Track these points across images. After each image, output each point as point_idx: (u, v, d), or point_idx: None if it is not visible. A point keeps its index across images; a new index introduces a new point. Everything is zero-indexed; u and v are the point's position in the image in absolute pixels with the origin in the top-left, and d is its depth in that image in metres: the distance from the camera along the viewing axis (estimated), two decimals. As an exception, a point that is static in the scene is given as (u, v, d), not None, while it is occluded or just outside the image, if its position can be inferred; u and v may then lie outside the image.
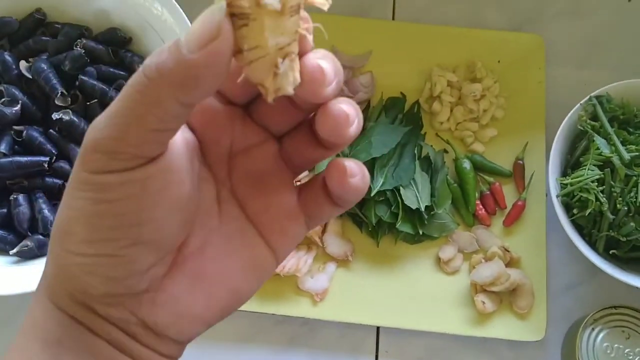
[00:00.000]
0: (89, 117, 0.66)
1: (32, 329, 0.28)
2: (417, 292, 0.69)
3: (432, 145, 0.74)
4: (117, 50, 0.69)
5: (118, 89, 0.66)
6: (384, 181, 0.68)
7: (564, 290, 0.70)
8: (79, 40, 0.67)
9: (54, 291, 0.28)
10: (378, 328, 0.69)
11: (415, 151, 0.71)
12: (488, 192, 0.72)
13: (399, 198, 0.68)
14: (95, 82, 0.66)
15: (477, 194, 0.72)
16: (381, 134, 0.71)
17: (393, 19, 0.81)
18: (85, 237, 0.25)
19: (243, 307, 0.67)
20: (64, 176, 0.65)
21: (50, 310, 0.28)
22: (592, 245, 0.65)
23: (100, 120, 0.25)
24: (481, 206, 0.71)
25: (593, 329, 0.64)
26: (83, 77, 0.66)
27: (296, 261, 0.67)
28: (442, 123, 0.75)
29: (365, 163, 0.66)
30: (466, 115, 0.74)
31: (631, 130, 0.67)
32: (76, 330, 0.27)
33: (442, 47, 0.78)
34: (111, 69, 0.68)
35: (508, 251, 0.68)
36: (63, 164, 0.65)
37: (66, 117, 0.64)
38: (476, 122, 0.74)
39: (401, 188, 0.68)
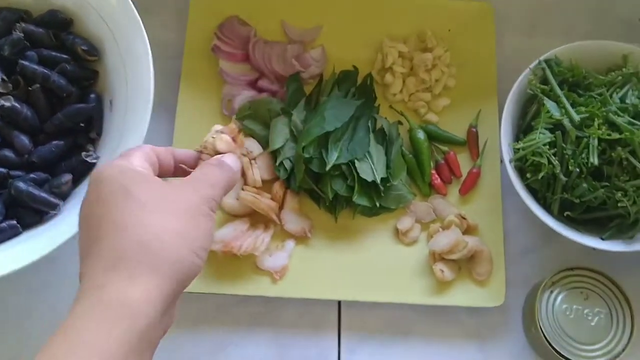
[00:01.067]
0: (31, 103, 0.64)
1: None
2: (377, 264, 0.68)
3: (386, 117, 0.74)
4: (58, 33, 0.67)
5: (61, 73, 0.65)
6: (339, 155, 0.68)
7: (522, 255, 0.70)
8: (17, 24, 0.65)
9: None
10: (339, 303, 0.69)
11: (369, 124, 0.71)
12: (443, 162, 0.72)
13: (354, 171, 0.67)
14: (36, 67, 0.64)
15: (432, 164, 0.72)
16: (334, 108, 0.70)
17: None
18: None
19: (202, 289, 0.66)
20: (8, 164, 0.63)
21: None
22: (547, 208, 0.66)
23: None
24: (437, 176, 0.71)
25: (552, 292, 0.64)
26: (23, 62, 0.64)
27: (253, 240, 0.66)
28: (395, 94, 0.74)
29: (319, 137, 0.67)
30: (418, 85, 0.74)
31: (581, 92, 0.67)
32: None
33: (393, 17, 0.77)
34: (53, 53, 0.66)
35: (465, 219, 0.68)
36: (7, 152, 0.63)
37: (7, 104, 0.62)
38: (429, 92, 0.74)
39: (356, 161, 0.68)
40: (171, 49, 0.76)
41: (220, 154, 0.52)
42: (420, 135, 0.71)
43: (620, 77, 0.66)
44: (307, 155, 0.67)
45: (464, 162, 0.72)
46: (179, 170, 0.50)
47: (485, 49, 0.75)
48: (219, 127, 0.60)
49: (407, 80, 0.74)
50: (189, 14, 0.76)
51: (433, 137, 0.73)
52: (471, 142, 0.72)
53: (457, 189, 0.71)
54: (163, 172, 0.48)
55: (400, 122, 0.74)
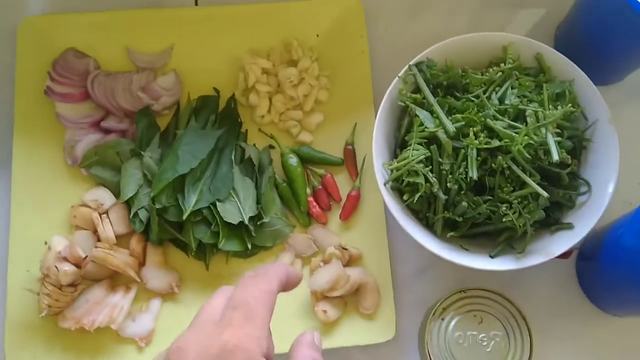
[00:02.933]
0: None
1: None
2: (258, 312, 0.61)
3: (254, 144, 0.66)
4: None
5: None
6: (198, 198, 0.60)
7: (414, 278, 0.64)
8: None
9: None
10: None
11: (233, 155, 0.63)
12: (320, 186, 0.65)
13: (217, 215, 0.60)
14: None
15: (309, 190, 0.64)
16: (190, 144, 0.62)
17: (196, 4, 0.71)
18: None
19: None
20: None
21: None
22: (431, 228, 0.59)
23: None
24: (314, 203, 0.64)
25: (443, 319, 0.58)
26: None
27: (109, 310, 0.59)
28: (263, 116, 0.66)
29: (173, 181, 0.59)
30: (287, 103, 0.66)
31: (459, 95, 0.60)
32: None
33: (254, 29, 0.69)
34: None
35: (346, 249, 0.62)
36: None
37: None
38: (300, 110, 0.67)
39: (218, 203, 0.60)
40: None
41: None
42: (292, 160, 0.64)
43: (500, 74, 0.60)
44: (159, 206, 0.59)
45: (344, 184, 0.65)
46: None
47: (357, 52, 0.68)
48: (58, 242, 0.58)
49: (274, 99, 0.66)
50: (17, 51, 0.66)
51: (307, 159, 0.65)
52: (348, 161, 0.65)
53: (339, 215, 0.64)
54: None
55: (272, 147, 0.66)
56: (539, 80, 0.60)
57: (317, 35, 0.69)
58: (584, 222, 0.57)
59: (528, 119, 0.56)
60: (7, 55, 0.67)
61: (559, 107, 0.57)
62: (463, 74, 0.61)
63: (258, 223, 0.62)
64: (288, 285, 0.43)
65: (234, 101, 0.67)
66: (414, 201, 0.57)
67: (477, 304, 0.59)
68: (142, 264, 0.62)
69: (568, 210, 0.60)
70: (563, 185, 0.59)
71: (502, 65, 0.60)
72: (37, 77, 0.66)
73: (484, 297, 0.59)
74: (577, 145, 0.61)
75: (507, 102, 0.58)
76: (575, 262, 0.66)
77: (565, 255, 0.65)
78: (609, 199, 0.56)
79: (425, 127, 0.58)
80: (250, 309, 0.38)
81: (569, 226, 0.58)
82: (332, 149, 0.66)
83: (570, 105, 0.57)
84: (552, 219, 0.59)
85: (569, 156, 0.57)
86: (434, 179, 0.56)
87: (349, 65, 0.67)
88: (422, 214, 0.59)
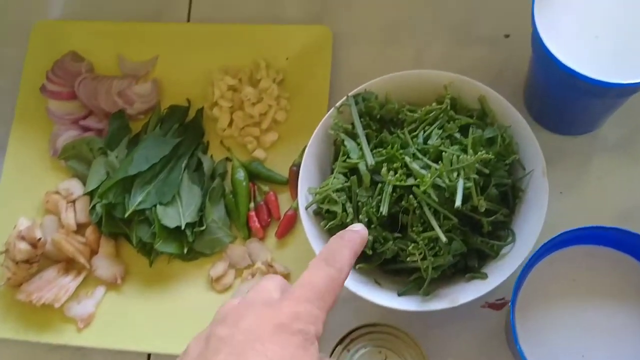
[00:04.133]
0: None
1: None
2: (189, 313, 0.65)
3: (211, 155, 0.70)
4: None
5: None
6: (143, 199, 0.65)
7: (337, 306, 0.64)
8: None
9: None
10: (149, 355, 0.67)
11: (184, 164, 0.68)
12: (262, 203, 0.67)
13: (155, 217, 0.65)
14: None
15: (253, 205, 0.68)
16: (147, 148, 0.68)
17: (188, 20, 0.77)
18: None
19: (11, 335, 0.66)
20: None
21: None
22: (349, 258, 0.60)
23: None
24: (255, 218, 0.67)
25: (348, 350, 0.59)
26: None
27: (57, 291, 0.66)
28: (224, 129, 0.71)
29: (124, 181, 0.65)
30: (246, 120, 0.70)
31: (392, 129, 0.61)
32: None
33: (231, 47, 0.73)
34: None
35: (272, 266, 0.64)
36: None
37: None
38: (257, 127, 0.70)
39: (159, 206, 0.65)
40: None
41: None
42: (240, 175, 0.68)
43: (433, 113, 0.59)
44: (106, 201, 0.65)
45: (286, 204, 0.68)
46: None
47: (319, 79, 0.70)
48: (21, 223, 0.65)
49: (235, 115, 0.70)
50: (27, 50, 0.76)
51: (256, 175, 0.68)
52: (291, 181, 0.67)
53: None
54: None
55: (229, 159, 0.70)
56: (475, 123, 0.59)
57: (287, 59, 0.71)
58: (501, 273, 0.55)
59: (443, 162, 0.55)
60: (20, 52, 0.77)
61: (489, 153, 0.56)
62: (401, 109, 0.61)
63: (197, 230, 0.66)
64: (357, 256, 0.42)
65: (202, 113, 0.71)
66: (331, 228, 0.58)
67: (385, 340, 0.59)
68: (95, 252, 0.68)
69: (490, 260, 0.58)
70: (487, 233, 0.57)
71: (433, 104, 0.60)
72: (40, 75, 0.74)
73: (392, 335, 0.59)
74: (511, 195, 0.59)
75: (430, 142, 0.58)
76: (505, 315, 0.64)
77: (496, 307, 0.64)
78: (527, 253, 0.54)
79: (348, 158, 0.59)
80: (316, 290, 0.37)
81: (483, 276, 0.56)
82: (281, 168, 0.68)
83: (495, 151, 0.56)
84: (470, 267, 0.58)
85: (484, 203, 0.55)
86: (350, 209, 0.58)
87: (310, 90, 0.69)
88: (339, 242, 0.60)
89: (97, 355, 0.67)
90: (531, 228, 0.55)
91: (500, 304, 0.63)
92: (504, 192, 0.58)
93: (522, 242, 0.56)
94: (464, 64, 0.69)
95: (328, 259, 0.39)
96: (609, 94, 0.51)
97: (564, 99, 0.59)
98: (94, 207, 0.68)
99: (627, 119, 0.63)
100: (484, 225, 0.57)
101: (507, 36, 0.69)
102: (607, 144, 0.63)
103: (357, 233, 0.43)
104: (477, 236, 0.57)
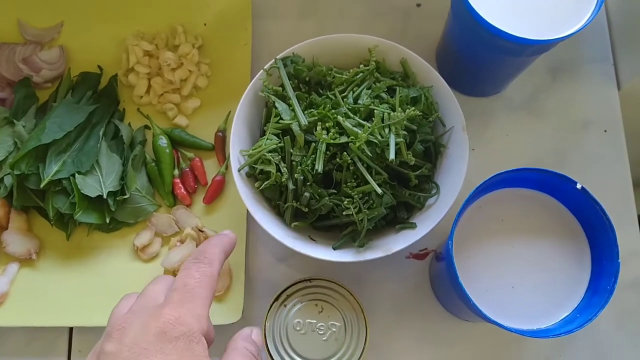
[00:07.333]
0: None
1: None
2: (113, 285, 0.63)
3: (129, 123, 0.68)
4: None
5: None
6: (59, 169, 0.62)
7: (272, 265, 0.66)
8: None
9: None
10: (71, 328, 0.64)
11: (102, 132, 0.65)
12: (187, 169, 0.66)
13: (74, 186, 0.61)
14: None
15: (177, 172, 0.66)
16: (60, 116, 0.64)
17: (93, -17, 0.73)
18: None
19: None
20: None
21: None
22: (283, 217, 0.61)
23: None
24: (180, 185, 0.66)
25: (285, 305, 0.60)
26: None
27: (-38, 268, 0.60)
28: (142, 97, 0.68)
29: (36, 150, 0.61)
30: (166, 86, 0.68)
31: (321, 91, 0.62)
32: None
33: (144, 12, 0.71)
34: None
35: (202, 231, 0.63)
36: None
37: None
38: (178, 94, 0.68)
39: (77, 175, 0.62)
40: None
41: None
42: (162, 142, 0.66)
43: (360, 74, 0.62)
44: (17, 172, 0.61)
45: (212, 170, 0.67)
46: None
47: (240, 46, 0.70)
48: None
49: (153, 81, 0.68)
50: None
51: (179, 142, 0.67)
52: (218, 147, 0.67)
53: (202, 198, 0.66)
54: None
55: (148, 127, 0.68)
56: (400, 84, 0.62)
57: (205, 24, 0.71)
58: (428, 223, 0.59)
59: (374, 119, 0.58)
60: None
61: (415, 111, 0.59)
62: (328, 72, 0.63)
63: (119, 199, 0.63)
64: (227, 256, 0.45)
65: (116, 80, 0.69)
66: (265, 188, 0.59)
67: (320, 293, 0.61)
68: (4, 228, 0.63)
69: (417, 212, 0.62)
70: (414, 187, 0.61)
71: (360, 66, 0.62)
72: None
73: (327, 288, 0.61)
74: (433, 150, 0.63)
75: (360, 102, 0.60)
76: (429, 264, 0.68)
77: (420, 257, 0.68)
78: (452, 203, 0.58)
79: (281, 119, 0.60)
80: (191, 290, 0.39)
81: (412, 225, 0.60)
82: (205, 135, 0.68)
83: (420, 109, 0.59)
84: (400, 218, 0.61)
85: (413, 158, 0.59)
86: (284, 169, 0.58)
87: (231, 56, 0.69)
88: (274, 202, 0.61)
89: (14, 333, 0.62)
90: (454, 180, 0.60)
91: (423, 254, 0.67)
92: (427, 148, 0.62)
93: (446, 194, 0.60)
94: (379, 33, 0.72)
95: (198, 257, 0.42)
96: (526, 52, 0.56)
97: (480, 60, 0.63)
98: (2, 180, 0.63)
99: (528, 81, 0.70)
100: (411, 179, 0.60)
101: (418, 5, 0.73)
102: (513, 104, 0.69)
103: (226, 236, 0.46)
104: (405, 190, 0.60)
